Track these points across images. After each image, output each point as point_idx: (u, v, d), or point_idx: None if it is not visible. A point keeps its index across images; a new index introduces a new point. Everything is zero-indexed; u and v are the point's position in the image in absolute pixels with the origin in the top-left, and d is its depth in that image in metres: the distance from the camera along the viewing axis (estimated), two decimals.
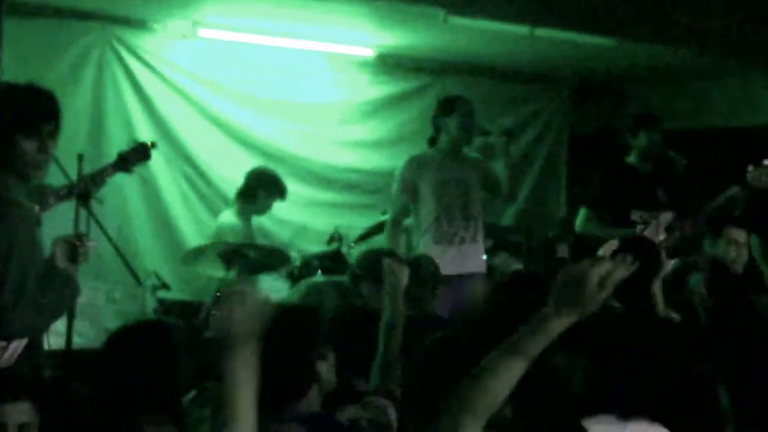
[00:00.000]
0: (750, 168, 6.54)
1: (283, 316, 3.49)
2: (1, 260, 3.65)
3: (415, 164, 6.83)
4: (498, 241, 9.09)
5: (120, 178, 7.58)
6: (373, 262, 5.50)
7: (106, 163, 5.00)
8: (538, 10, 6.35)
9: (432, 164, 6.80)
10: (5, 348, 3.75)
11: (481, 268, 7.02)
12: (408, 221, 7.01)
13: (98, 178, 4.75)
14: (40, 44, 7.67)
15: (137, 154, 4.92)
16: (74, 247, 4.03)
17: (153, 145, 5.01)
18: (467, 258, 6.84)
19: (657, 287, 4.99)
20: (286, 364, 3.35)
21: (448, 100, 6.92)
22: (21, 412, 3.37)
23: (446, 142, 6.80)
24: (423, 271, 5.53)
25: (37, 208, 4.13)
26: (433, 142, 6.92)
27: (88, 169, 4.93)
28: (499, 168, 7.06)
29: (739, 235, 6.50)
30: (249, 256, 6.79)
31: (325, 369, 3.71)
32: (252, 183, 7.57)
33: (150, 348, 3.49)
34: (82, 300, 6.65)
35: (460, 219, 6.80)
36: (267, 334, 2.68)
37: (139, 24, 8.24)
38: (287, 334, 3.40)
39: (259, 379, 2.62)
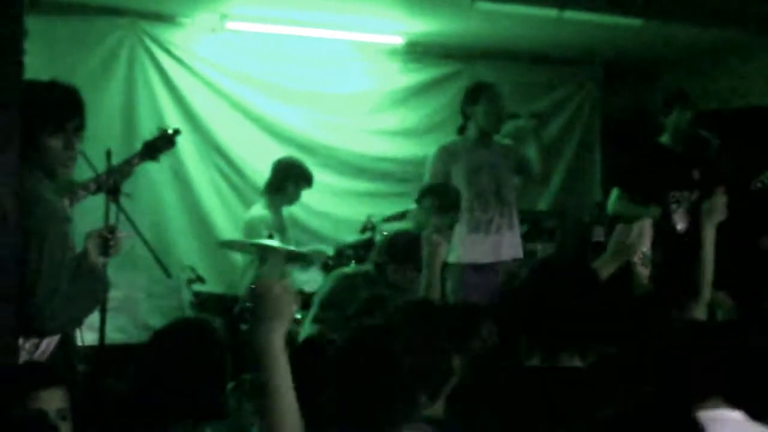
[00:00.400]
0: None
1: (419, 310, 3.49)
2: (33, 258, 3.67)
3: (446, 153, 6.83)
4: (533, 226, 9.07)
5: (153, 174, 7.78)
6: (393, 246, 5.50)
7: (131, 154, 5.02)
8: None
9: (462, 152, 6.80)
10: (38, 344, 3.77)
11: (519, 253, 7.01)
12: None
13: (125, 170, 4.77)
14: (69, 42, 7.72)
15: (162, 142, 4.93)
16: (106, 239, 4.05)
17: (177, 131, 5.02)
18: (504, 245, 6.84)
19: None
20: (425, 360, 3.16)
21: (474, 88, 6.91)
22: (58, 398, 3.40)
23: (475, 130, 6.79)
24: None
25: (67, 203, 4.15)
26: (462, 130, 6.92)
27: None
28: (531, 152, 7.03)
29: None
30: (280, 252, 6.82)
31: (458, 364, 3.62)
32: (278, 174, 7.57)
33: (195, 347, 3.49)
34: (119, 295, 6.77)
35: (494, 205, 6.81)
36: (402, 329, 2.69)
37: (167, 19, 8.27)
38: (425, 329, 3.34)
39: (394, 377, 2.60)
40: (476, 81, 7.20)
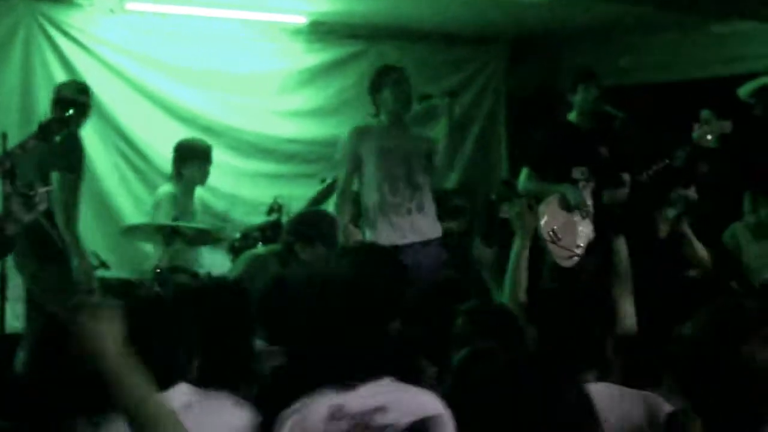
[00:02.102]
0: (695, 126, 6.55)
1: None
2: None
3: (358, 134, 6.77)
4: (441, 205, 9.06)
5: None
6: (302, 223, 5.46)
7: (26, 136, 4.90)
8: None
9: (374, 134, 6.73)
10: None
11: (434, 233, 6.97)
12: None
13: (20, 152, 4.65)
14: None
15: (57, 124, 4.81)
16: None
17: (71, 113, 4.90)
18: (413, 228, 6.79)
19: None
20: None
21: (378, 74, 6.84)
22: None
23: (386, 115, 6.74)
24: None
25: None
26: (374, 114, 6.86)
27: None
28: (441, 130, 7.00)
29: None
30: (186, 233, 6.73)
31: None
32: (175, 160, 7.45)
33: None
34: (19, 282, 6.60)
35: (403, 189, 6.74)
36: None
37: (65, 0, 8.09)
38: None
39: None
40: (379, 66, 7.10)
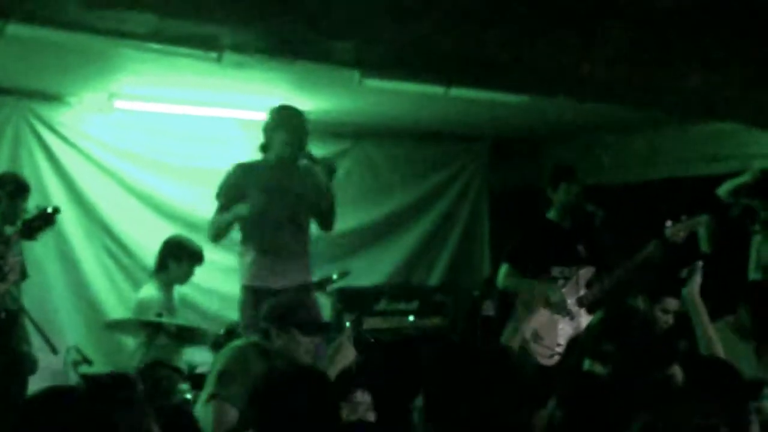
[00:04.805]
0: (668, 223, 6.63)
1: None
2: None
3: (242, 170, 6.65)
4: (423, 301, 9.12)
5: (38, 252, 7.64)
6: (277, 310, 5.44)
7: (14, 229, 4.96)
8: (452, 69, 6.41)
9: (259, 173, 6.63)
10: None
11: (308, 279, 6.86)
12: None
13: (2, 247, 4.71)
14: None
15: (40, 221, 4.88)
16: None
17: (56, 210, 4.97)
18: (294, 270, 6.67)
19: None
20: None
21: (275, 112, 6.69)
22: None
23: (274, 155, 6.64)
24: None
25: None
26: (264, 149, 6.73)
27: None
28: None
29: (674, 304, 6.49)
30: (170, 330, 6.75)
31: None
32: (161, 253, 7.53)
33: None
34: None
35: (287, 229, 6.63)
36: None
37: (54, 98, 8.21)
38: None
39: None
40: (280, 105, 6.80)
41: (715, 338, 5.22)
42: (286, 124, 6.60)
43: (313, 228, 6.91)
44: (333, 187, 6.71)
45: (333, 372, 4.69)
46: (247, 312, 6.54)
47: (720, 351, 5.17)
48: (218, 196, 6.72)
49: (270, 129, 6.64)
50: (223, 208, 6.68)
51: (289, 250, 6.60)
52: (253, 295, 6.52)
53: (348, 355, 4.72)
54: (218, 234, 6.75)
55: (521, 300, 6.45)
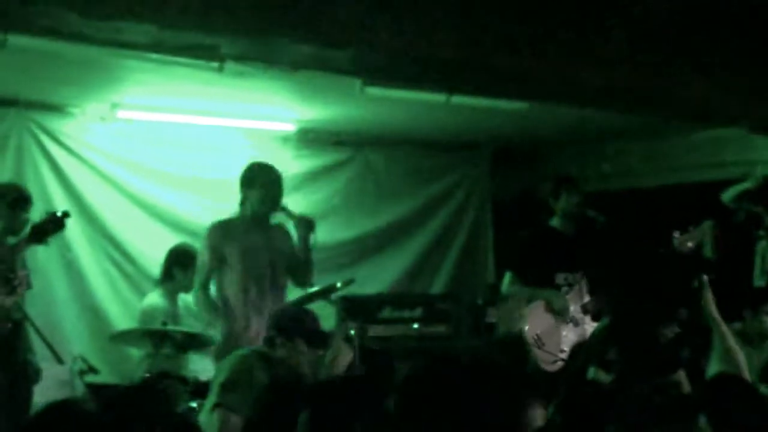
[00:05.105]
0: (676, 234, 6.63)
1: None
2: None
3: (220, 231, 6.64)
4: (427, 309, 9.12)
5: (43, 262, 7.67)
6: (284, 319, 5.46)
7: (20, 237, 4.98)
8: (453, 77, 6.42)
9: (237, 232, 6.62)
10: None
11: None
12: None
13: (12, 254, 4.72)
14: None
15: (51, 225, 4.89)
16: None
17: (66, 214, 4.98)
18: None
19: None
20: None
21: (250, 170, 6.73)
22: None
23: (250, 211, 6.66)
24: None
25: None
26: (241, 204, 6.74)
27: None
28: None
29: None
30: (176, 338, 6.75)
31: None
32: (167, 262, 7.56)
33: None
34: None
35: (269, 289, 6.62)
36: None
37: (57, 108, 8.24)
38: None
39: None
40: (254, 163, 6.89)
41: (736, 348, 5.21)
42: (257, 180, 6.63)
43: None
44: (311, 242, 6.72)
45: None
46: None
47: (742, 361, 5.15)
48: (204, 257, 6.64)
49: (245, 185, 6.67)
50: (209, 270, 6.61)
51: (270, 309, 6.44)
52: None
53: (346, 356, 4.72)
54: (213, 317, 6.68)
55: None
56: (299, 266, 6.75)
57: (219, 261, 6.57)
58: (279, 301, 6.64)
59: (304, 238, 6.72)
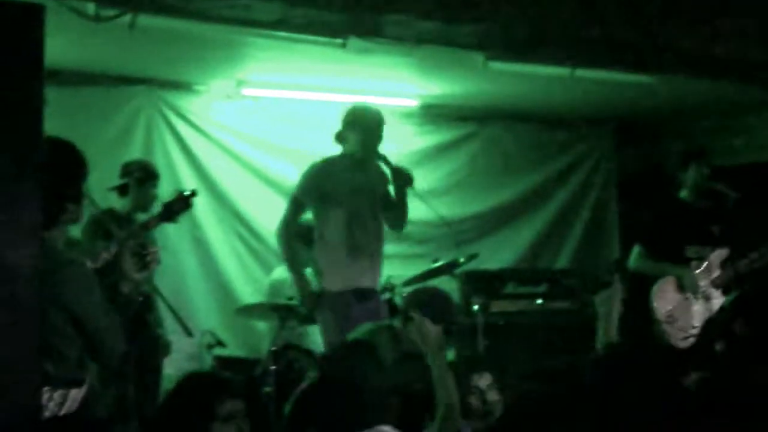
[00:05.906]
0: None
1: None
2: (92, 315, 3.75)
3: (324, 168, 6.56)
4: (552, 285, 9.06)
5: (173, 239, 7.82)
6: (421, 301, 5.46)
7: (150, 215, 5.09)
8: (577, 51, 6.35)
9: (340, 171, 6.53)
10: (66, 395, 3.78)
11: (378, 281, 6.77)
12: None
13: (140, 232, 4.81)
14: (89, 111, 7.82)
15: (179, 204, 4.96)
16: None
17: (194, 193, 5.05)
18: (378, 270, 6.63)
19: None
20: None
21: (353, 112, 6.64)
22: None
23: (349, 153, 6.60)
24: None
25: (89, 264, 4.19)
26: (338, 139, 6.70)
27: None
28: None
29: None
30: (301, 311, 6.83)
31: None
32: None
33: (208, 399, 3.55)
34: None
35: (371, 228, 6.56)
36: None
37: (184, 86, 8.38)
38: None
39: None
40: (358, 104, 6.80)
41: None
42: (361, 123, 6.55)
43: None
44: (407, 194, 6.63)
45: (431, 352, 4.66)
46: (337, 320, 6.35)
47: None
48: (299, 194, 6.59)
49: (346, 127, 6.61)
50: (299, 208, 6.60)
51: (372, 249, 6.53)
52: (347, 299, 6.38)
53: (432, 330, 4.69)
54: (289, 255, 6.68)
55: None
56: (394, 208, 6.66)
57: (318, 201, 6.52)
58: (380, 240, 6.60)
59: (401, 189, 6.62)
